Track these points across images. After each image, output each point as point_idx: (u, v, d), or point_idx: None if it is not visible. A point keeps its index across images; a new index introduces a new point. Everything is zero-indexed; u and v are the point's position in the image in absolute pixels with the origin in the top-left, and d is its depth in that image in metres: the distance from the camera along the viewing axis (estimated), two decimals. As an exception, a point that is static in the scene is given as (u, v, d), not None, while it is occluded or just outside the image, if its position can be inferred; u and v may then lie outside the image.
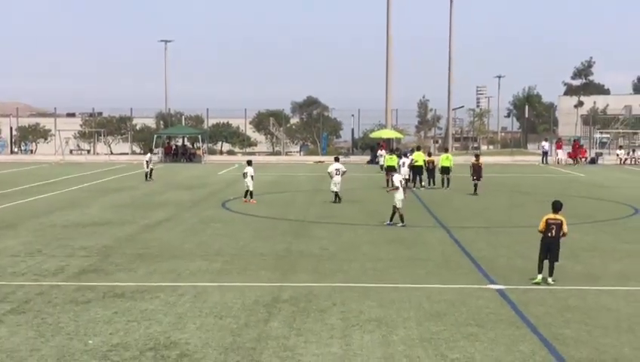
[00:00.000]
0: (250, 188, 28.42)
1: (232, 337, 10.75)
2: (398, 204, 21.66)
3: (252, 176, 28.51)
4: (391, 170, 35.03)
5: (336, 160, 29.43)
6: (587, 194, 32.76)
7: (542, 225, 14.34)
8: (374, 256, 17.22)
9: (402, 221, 21.61)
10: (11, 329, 11.12)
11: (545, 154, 59.48)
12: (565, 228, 14.26)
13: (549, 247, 14.24)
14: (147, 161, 39.68)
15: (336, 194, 28.02)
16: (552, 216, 14.36)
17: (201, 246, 18.44)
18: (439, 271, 15.51)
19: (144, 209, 26.33)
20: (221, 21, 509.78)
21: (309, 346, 10.35)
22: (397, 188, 21.87)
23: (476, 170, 31.95)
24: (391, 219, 21.81)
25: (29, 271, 15.43)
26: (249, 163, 29.51)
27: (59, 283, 14.22)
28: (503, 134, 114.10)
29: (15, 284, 14.14)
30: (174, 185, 36.56)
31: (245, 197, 28.50)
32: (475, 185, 31.62)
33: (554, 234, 14.19)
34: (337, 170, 28.22)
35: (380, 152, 53.25)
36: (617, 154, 60.39)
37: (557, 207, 14.48)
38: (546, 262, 14.26)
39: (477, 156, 33.31)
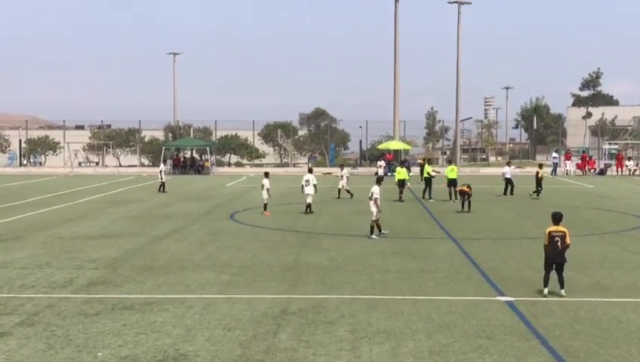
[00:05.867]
0: (265, 201, 28.63)
1: (240, 349, 10.74)
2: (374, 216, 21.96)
3: (268, 189, 28.65)
4: (401, 182, 34.58)
5: (310, 171, 30.33)
6: (596, 206, 32.66)
7: (546, 239, 14.21)
8: (382, 267, 17.20)
9: (373, 231, 21.90)
10: (20, 342, 11.14)
11: (555, 165, 59.33)
12: (568, 239, 14.13)
13: (555, 260, 14.10)
14: (161, 171, 40.47)
15: (309, 206, 28.57)
16: (554, 228, 14.18)
17: (209, 258, 18.46)
18: (448, 283, 15.47)
19: (152, 221, 26.39)
20: (228, 33, 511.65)
21: (318, 358, 10.33)
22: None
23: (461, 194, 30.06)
24: (372, 231, 21.97)
25: (37, 283, 15.47)
26: (266, 175, 29.66)
27: (68, 296, 14.25)
28: (511, 145, 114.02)
29: (24, 296, 14.18)
30: (183, 197, 36.64)
31: (265, 209, 28.57)
32: (467, 203, 29.68)
33: (560, 246, 14.03)
34: (307, 180, 28.81)
35: (379, 163, 53.56)
36: (626, 166, 60.14)
37: (557, 218, 14.33)
38: (554, 275, 14.15)
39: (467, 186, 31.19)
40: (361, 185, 45.38)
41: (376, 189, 22.19)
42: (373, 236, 21.73)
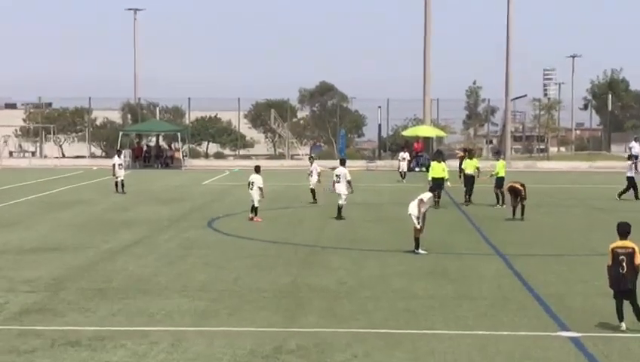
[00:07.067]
0: (255, 203, 28.82)
1: (220, 399, 10.75)
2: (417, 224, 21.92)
3: (260, 188, 28.80)
4: (438, 183, 33.48)
5: (342, 163, 30.66)
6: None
7: (610, 258, 14.12)
8: (408, 292, 17.21)
9: (419, 244, 21.98)
10: None
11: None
12: (638, 259, 13.94)
13: (620, 287, 13.98)
14: (118, 165, 39.40)
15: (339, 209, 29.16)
16: (619, 243, 14.12)
17: (180, 279, 18.49)
18: (494, 314, 15.48)
19: (106, 229, 26.43)
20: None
21: (323, 412, 10.34)
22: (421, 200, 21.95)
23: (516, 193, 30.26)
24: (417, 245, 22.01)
25: (-45, 310, 15.51)
26: (257, 169, 29.78)
27: (-6, 327, 14.28)
28: (578, 132, 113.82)
29: (-63, 328, 14.21)
30: (146, 198, 36.70)
31: (251, 213, 28.85)
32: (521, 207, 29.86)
33: (625, 268, 13.87)
34: (338, 176, 29.33)
35: (401, 155, 52.73)
36: None
37: (623, 230, 14.27)
38: (628, 305, 14.11)
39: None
40: (380, 184, 45.48)
41: (426, 195, 22.35)
42: (420, 251, 21.81)
